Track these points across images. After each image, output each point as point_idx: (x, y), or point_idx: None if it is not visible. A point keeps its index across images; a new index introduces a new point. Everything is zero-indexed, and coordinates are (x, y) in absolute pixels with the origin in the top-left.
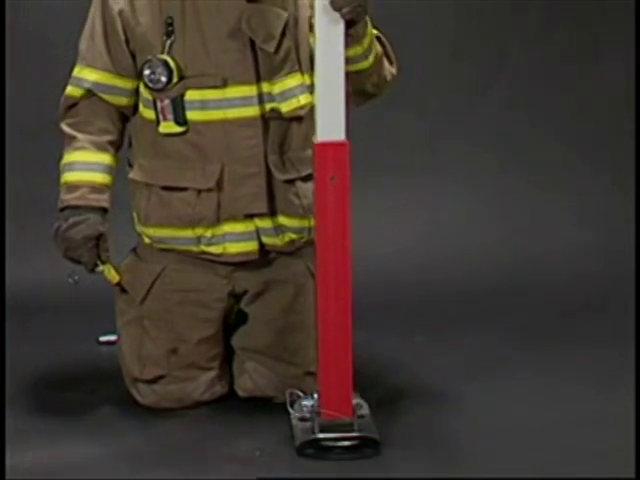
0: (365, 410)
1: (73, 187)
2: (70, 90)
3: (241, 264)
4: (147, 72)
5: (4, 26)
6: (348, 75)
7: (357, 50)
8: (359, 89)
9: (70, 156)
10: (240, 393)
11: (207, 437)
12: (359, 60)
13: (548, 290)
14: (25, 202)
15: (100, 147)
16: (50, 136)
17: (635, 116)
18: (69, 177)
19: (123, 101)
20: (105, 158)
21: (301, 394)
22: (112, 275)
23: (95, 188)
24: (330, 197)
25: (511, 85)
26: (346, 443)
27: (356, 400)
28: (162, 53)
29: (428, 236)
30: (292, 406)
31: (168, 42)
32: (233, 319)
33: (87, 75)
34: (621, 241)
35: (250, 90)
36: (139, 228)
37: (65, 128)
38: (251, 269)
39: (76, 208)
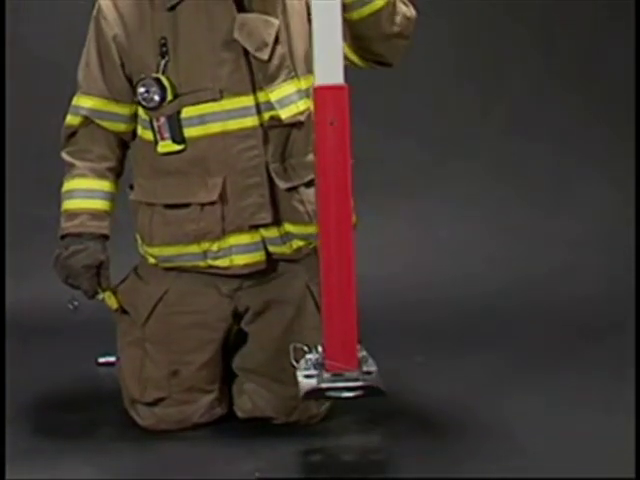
0: (372, 366)
1: (73, 215)
2: (69, 119)
3: (248, 276)
4: (141, 90)
5: (4, 28)
6: (364, 20)
7: None
8: (381, 33)
9: (70, 184)
10: (239, 414)
11: (206, 459)
12: (371, 0)
13: (548, 310)
14: (25, 222)
15: (99, 174)
16: (51, 155)
17: (635, 132)
18: (69, 205)
19: (121, 127)
20: (105, 185)
21: (305, 348)
22: (112, 302)
23: (95, 215)
24: (330, 141)
25: (511, 106)
26: (350, 394)
27: (362, 353)
28: (157, 72)
29: (428, 256)
30: (296, 360)
31: (162, 62)
32: (232, 339)
33: (83, 102)
34: (622, 262)
35: (247, 100)
36: (143, 249)
37: (65, 156)
38: (254, 287)
39: (76, 236)
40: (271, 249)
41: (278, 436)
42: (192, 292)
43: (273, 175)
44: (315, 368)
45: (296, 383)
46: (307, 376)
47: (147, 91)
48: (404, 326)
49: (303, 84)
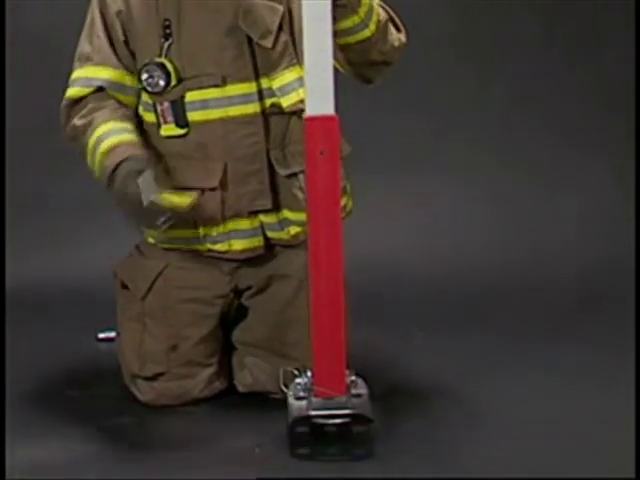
0: (362, 389)
1: (112, 151)
2: (76, 90)
3: (246, 260)
4: (145, 76)
5: (4, 26)
6: (351, 47)
7: (354, 20)
8: (367, 60)
9: (96, 133)
10: (240, 388)
11: (206, 434)
12: (359, 30)
13: (548, 288)
14: (25, 200)
15: (122, 117)
16: (52, 134)
17: (635, 113)
18: (105, 146)
19: (133, 101)
20: (129, 125)
21: (295, 372)
22: (178, 199)
23: (133, 145)
24: (320, 171)
25: (511, 84)
26: (337, 420)
27: (351, 378)
28: (160, 56)
29: (427, 234)
30: (286, 384)
31: (166, 44)
32: (233, 314)
33: (98, 74)
34: (622, 240)
35: (250, 87)
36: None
37: (77, 122)
38: (255, 265)
39: (122, 163)
40: (269, 234)
41: (278, 411)
42: (192, 268)
43: (273, 162)
44: (305, 392)
45: (299, 359)
46: (297, 398)
47: (151, 76)
48: (404, 304)
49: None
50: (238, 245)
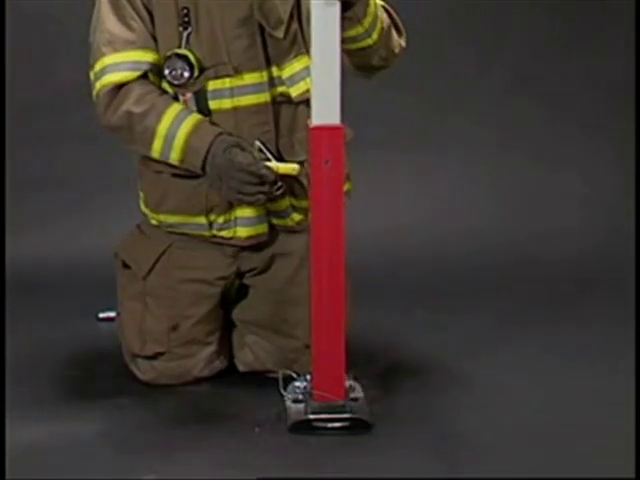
0: (359, 393)
1: (196, 131)
2: (122, 76)
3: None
4: (168, 70)
5: (4, 28)
6: (352, 52)
7: (358, 30)
8: (366, 64)
9: (167, 116)
10: (240, 367)
11: (207, 413)
12: (361, 39)
13: (548, 268)
14: (25, 177)
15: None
16: (51, 111)
17: (635, 95)
18: (188, 126)
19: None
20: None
21: (294, 375)
22: (285, 168)
23: (211, 123)
24: (324, 180)
25: (511, 64)
26: (337, 424)
27: (349, 382)
28: (180, 46)
29: (427, 214)
30: (285, 387)
31: (185, 34)
32: (234, 294)
33: (144, 57)
34: (622, 219)
35: (261, 77)
36: (147, 211)
37: (134, 109)
38: (258, 249)
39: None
40: (274, 221)
41: (278, 390)
42: (196, 248)
43: (281, 150)
44: (303, 395)
45: (299, 338)
46: (295, 401)
47: (174, 69)
48: (404, 281)
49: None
50: (243, 232)
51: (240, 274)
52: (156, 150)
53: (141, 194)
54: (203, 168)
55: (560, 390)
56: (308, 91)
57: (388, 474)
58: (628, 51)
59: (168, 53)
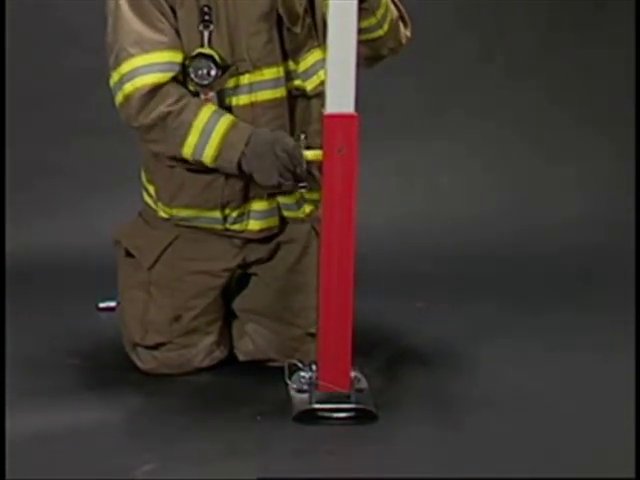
0: (363, 384)
1: (235, 126)
2: (158, 77)
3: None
4: (194, 70)
5: (4, 28)
6: (364, 43)
7: (371, 21)
8: (375, 55)
9: (204, 112)
10: (240, 357)
11: (208, 402)
12: (373, 30)
13: (548, 258)
14: (25, 166)
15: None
16: (52, 100)
17: (635, 83)
18: (227, 122)
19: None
20: None
21: (300, 364)
22: (315, 153)
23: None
24: (337, 169)
25: (513, 53)
26: (342, 414)
27: (354, 373)
28: (202, 45)
29: (428, 204)
30: (290, 377)
31: (206, 33)
32: (234, 283)
33: (176, 58)
34: (622, 210)
35: (278, 71)
36: (158, 205)
37: (166, 109)
38: (265, 240)
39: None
40: (286, 214)
41: (279, 379)
42: (202, 239)
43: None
44: (308, 385)
45: (301, 326)
46: (300, 391)
47: (200, 69)
48: (404, 272)
49: (323, 53)
50: (255, 225)
51: (245, 265)
52: (190, 145)
53: (150, 187)
54: (239, 164)
55: (560, 382)
56: (322, 84)
57: (390, 464)
58: (629, 40)
59: (193, 53)
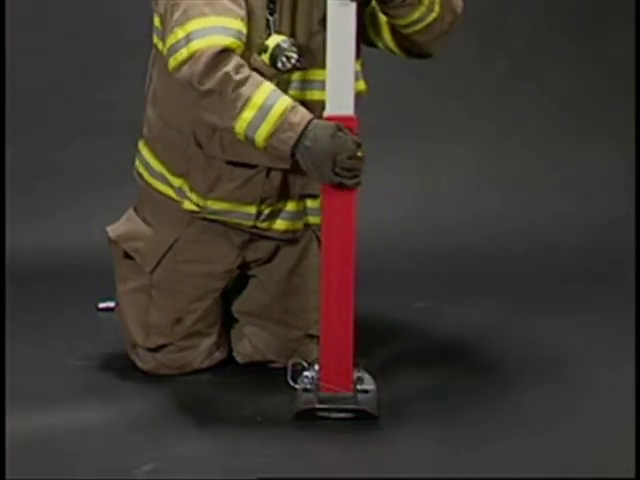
0: (369, 384)
1: (295, 108)
2: (230, 42)
3: (258, 235)
4: (280, 52)
5: (4, 28)
6: (420, 32)
7: (421, 10)
8: (437, 33)
9: (264, 89)
10: (239, 359)
11: (208, 402)
12: (426, 16)
13: (547, 258)
14: (26, 167)
15: None
16: (51, 100)
17: (635, 84)
18: (288, 102)
19: None
20: None
21: (304, 363)
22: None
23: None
24: None
25: (512, 54)
26: (341, 415)
27: (358, 374)
28: (267, 28)
29: (429, 203)
30: (293, 377)
31: (272, 19)
32: (231, 285)
33: (244, 29)
34: (621, 208)
35: (323, 74)
36: (191, 197)
37: (234, 75)
38: (266, 240)
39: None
40: (311, 220)
41: (279, 380)
42: (203, 241)
43: None
44: (311, 385)
45: (300, 328)
46: (303, 390)
47: (285, 51)
48: (404, 272)
49: (358, 65)
50: (281, 225)
51: (245, 265)
52: (245, 119)
53: (175, 180)
54: (295, 146)
55: (560, 382)
56: (359, 93)
57: (390, 464)
58: (628, 40)
59: (281, 39)
